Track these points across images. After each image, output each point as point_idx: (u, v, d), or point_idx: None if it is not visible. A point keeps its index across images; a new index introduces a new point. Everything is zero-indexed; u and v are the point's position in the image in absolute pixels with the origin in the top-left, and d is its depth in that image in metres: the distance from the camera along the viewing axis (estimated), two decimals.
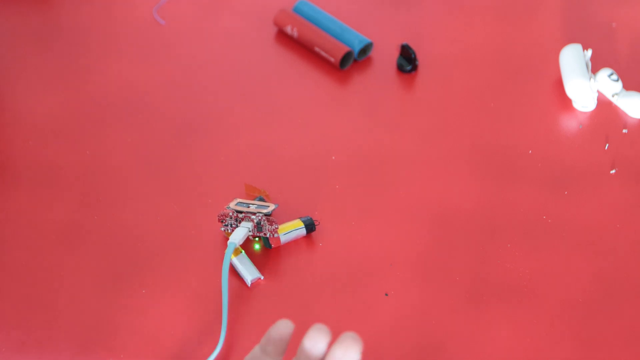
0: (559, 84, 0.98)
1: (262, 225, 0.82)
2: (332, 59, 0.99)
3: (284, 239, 0.83)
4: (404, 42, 1.01)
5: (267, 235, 0.82)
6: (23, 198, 0.88)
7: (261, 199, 0.86)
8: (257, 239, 0.84)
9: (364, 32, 1.03)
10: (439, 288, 0.81)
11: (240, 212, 0.83)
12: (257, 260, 0.83)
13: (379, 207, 0.87)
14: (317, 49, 1.00)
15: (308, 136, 0.93)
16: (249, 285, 0.81)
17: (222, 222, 0.83)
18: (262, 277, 0.82)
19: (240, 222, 0.83)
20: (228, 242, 0.81)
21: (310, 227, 0.84)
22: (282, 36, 1.03)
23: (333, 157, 0.91)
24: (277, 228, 0.82)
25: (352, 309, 0.80)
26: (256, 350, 0.60)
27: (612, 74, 0.96)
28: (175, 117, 0.95)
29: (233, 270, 0.82)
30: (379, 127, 0.94)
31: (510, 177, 0.90)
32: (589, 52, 0.96)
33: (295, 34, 1.02)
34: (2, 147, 0.92)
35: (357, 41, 1.00)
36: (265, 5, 1.06)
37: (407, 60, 0.99)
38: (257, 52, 1.01)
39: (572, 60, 0.96)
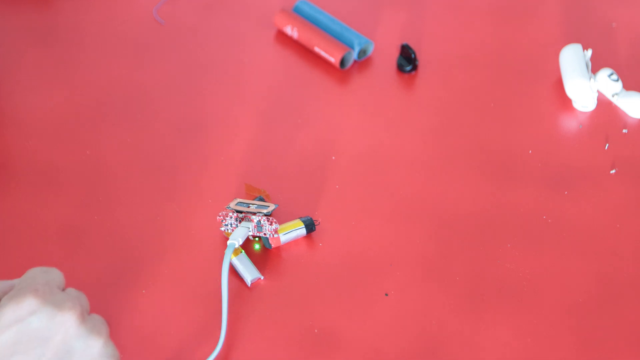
0: (559, 84, 0.98)
1: (262, 225, 0.82)
2: (332, 59, 0.99)
3: (284, 239, 0.83)
4: (404, 42, 1.01)
5: (267, 235, 0.82)
6: (23, 198, 0.88)
7: (261, 199, 0.86)
8: (257, 239, 0.84)
9: (364, 32, 1.03)
10: (439, 288, 0.81)
11: (240, 212, 0.83)
12: (257, 260, 0.83)
13: (379, 207, 0.87)
14: (317, 49, 1.00)
15: (308, 136, 0.93)
16: (249, 285, 0.81)
17: (222, 222, 0.83)
18: (262, 277, 0.82)
19: (240, 222, 0.83)
20: (228, 242, 0.81)
21: (310, 227, 0.84)
22: (282, 36, 1.03)
23: (333, 157, 0.91)
24: (277, 228, 0.82)
25: (352, 308, 0.80)
26: None
27: (612, 74, 0.96)
28: (175, 117, 0.95)
29: (233, 270, 0.82)
30: (379, 127, 0.94)
31: (510, 177, 0.89)
32: (589, 52, 0.96)
33: (295, 34, 1.02)
34: (2, 147, 0.92)
35: (357, 41, 1.00)
36: (265, 5, 1.06)
37: (407, 60, 0.99)
38: (257, 52, 1.01)
39: (572, 60, 0.96)
